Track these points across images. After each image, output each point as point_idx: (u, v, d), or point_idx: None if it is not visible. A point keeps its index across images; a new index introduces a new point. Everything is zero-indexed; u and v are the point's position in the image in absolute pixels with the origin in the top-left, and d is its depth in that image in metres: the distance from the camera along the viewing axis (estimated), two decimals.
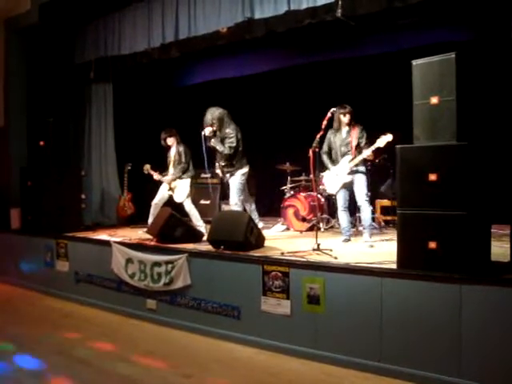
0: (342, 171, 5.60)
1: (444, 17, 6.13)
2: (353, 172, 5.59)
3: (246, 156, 6.33)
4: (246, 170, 6.26)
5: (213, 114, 6.20)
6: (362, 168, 5.63)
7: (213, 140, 6.14)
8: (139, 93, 8.88)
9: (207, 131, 6.10)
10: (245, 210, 6.36)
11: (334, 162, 5.71)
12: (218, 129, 6.19)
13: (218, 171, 6.46)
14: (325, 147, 5.79)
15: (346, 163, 5.59)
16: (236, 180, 6.22)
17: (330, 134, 5.76)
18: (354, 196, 5.70)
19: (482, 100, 5.59)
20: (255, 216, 6.57)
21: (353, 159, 5.54)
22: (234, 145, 6.13)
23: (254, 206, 6.59)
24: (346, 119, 5.61)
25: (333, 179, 5.73)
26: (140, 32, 6.78)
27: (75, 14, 7.41)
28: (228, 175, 6.30)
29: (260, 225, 6.65)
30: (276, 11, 5.44)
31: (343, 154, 5.61)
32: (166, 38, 6.47)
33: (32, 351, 4.49)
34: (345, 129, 5.65)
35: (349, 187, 5.69)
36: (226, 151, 6.14)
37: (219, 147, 6.17)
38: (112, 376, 3.96)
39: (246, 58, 8.27)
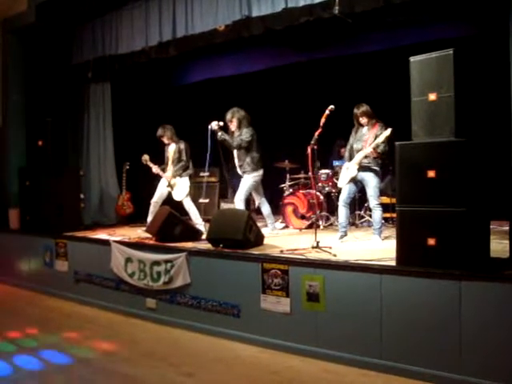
0: (352, 166, 5.61)
1: (442, 13, 6.12)
2: (364, 169, 5.56)
3: (262, 162, 6.39)
4: (259, 173, 6.34)
5: (234, 112, 6.34)
6: (374, 167, 5.54)
7: (220, 133, 6.18)
8: (137, 92, 8.86)
9: (214, 125, 6.14)
10: (249, 205, 6.39)
11: (351, 157, 5.70)
12: (237, 127, 6.30)
13: (239, 171, 6.52)
14: (348, 143, 5.82)
15: (356, 159, 5.58)
16: (248, 180, 6.30)
17: (353, 131, 5.79)
18: (361, 194, 5.64)
19: (481, 96, 5.59)
20: (272, 221, 6.66)
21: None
22: (248, 139, 6.21)
23: (269, 210, 6.62)
24: (361, 120, 5.64)
25: (343, 174, 5.74)
26: (137, 31, 6.78)
27: (72, 13, 7.40)
28: (243, 173, 6.38)
29: (276, 230, 6.75)
30: (273, 9, 5.44)
31: (357, 151, 5.60)
32: (163, 37, 6.47)
33: (32, 351, 4.49)
34: (366, 126, 5.65)
35: (356, 183, 5.69)
36: (235, 143, 6.23)
37: (227, 138, 6.25)
38: (113, 375, 3.96)
39: (243, 56, 8.26)
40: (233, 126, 6.34)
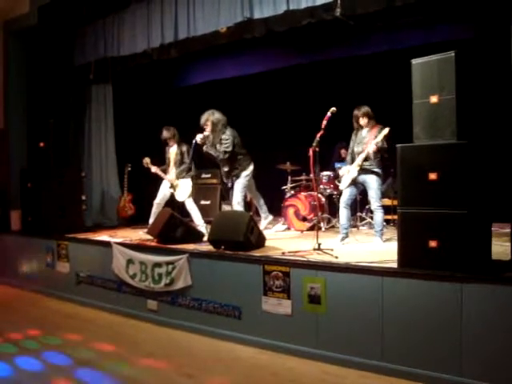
0: (353, 168, 5.62)
1: (443, 15, 6.13)
2: (365, 171, 5.57)
3: (250, 156, 6.40)
4: (249, 170, 6.36)
5: (209, 115, 6.31)
6: (376, 169, 5.56)
7: (205, 146, 6.22)
8: (139, 93, 8.88)
9: (198, 138, 6.17)
10: (249, 206, 6.42)
11: (353, 161, 5.70)
12: (211, 131, 6.26)
13: (225, 179, 6.56)
14: (349, 147, 5.83)
15: (357, 161, 5.59)
16: (240, 181, 6.32)
17: (353, 135, 5.80)
18: (362, 196, 5.64)
19: (482, 98, 5.59)
20: (265, 210, 6.75)
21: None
22: (229, 149, 6.21)
23: (262, 201, 6.74)
24: (362, 121, 5.64)
25: (345, 176, 5.75)
26: (139, 33, 6.79)
27: (74, 15, 7.41)
28: (234, 178, 6.39)
29: (270, 218, 6.85)
30: (275, 11, 5.44)
31: (358, 153, 5.61)
32: (165, 39, 6.48)
33: (33, 352, 4.49)
34: (365, 129, 5.66)
35: (357, 185, 5.69)
36: (221, 156, 6.27)
37: (213, 152, 6.28)
38: (113, 377, 3.95)
39: (245, 58, 8.27)
40: (207, 129, 6.29)
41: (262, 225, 6.66)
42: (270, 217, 6.87)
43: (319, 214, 6.61)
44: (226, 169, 6.41)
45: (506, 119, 4.08)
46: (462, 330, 3.53)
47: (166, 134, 6.93)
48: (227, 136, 6.23)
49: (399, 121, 5.01)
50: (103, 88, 8.16)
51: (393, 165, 5.43)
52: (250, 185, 6.53)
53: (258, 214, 6.91)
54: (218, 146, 6.27)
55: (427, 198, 3.79)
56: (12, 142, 7.94)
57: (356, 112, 5.66)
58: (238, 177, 6.33)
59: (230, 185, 6.51)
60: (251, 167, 6.37)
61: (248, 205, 7.25)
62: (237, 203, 6.25)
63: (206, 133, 6.22)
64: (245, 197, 6.58)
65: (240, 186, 6.30)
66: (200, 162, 6.45)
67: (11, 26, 7.94)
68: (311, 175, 5.70)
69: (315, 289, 4.20)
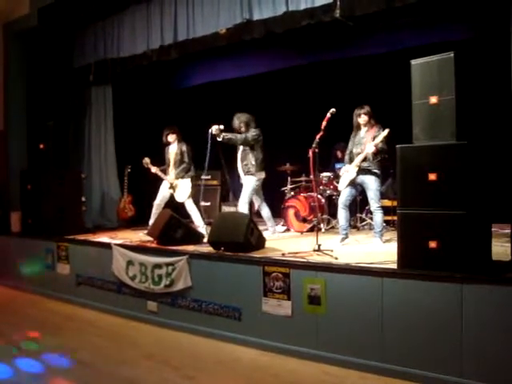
0: (351, 169, 5.61)
1: (443, 16, 6.13)
2: (363, 172, 5.56)
3: (264, 164, 6.41)
4: (261, 176, 6.37)
5: (239, 118, 6.39)
6: (374, 169, 5.55)
7: (223, 134, 6.15)
8: (139, 95, 8.88)
9: (214, 129, 6.12)
10: (250, 212, 6.42)
11: (351, 161, 5.69)
12: (246, 130, 6.33)
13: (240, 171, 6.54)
14: (348, 149, 5.82)
15: (356, 161, 5.59)
16: (251, 181, 6.30)
17: (351, 136, 5.79)
18: (362, 197, 5.64)
19: (482, 99, 5.59)
20: (272, 223, 6.62)
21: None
22: (253, 138, 6.24)
23: (269, 213, 6.60)
24: (361, 120, 5.63)
25: (343, 176, 5.74)
26: (139, 34, 6.80)
27: (74, 17, 7.42)
28: (244, 175, 6.36)
29: (276, 233, 6.69)
30: (274, 12, 5.45)
31: (357, 154, 5.60)
32: (164, 40, 6.50)
33: (33, 354, 4.48)
34: (364, 129, 5.66)
35: (356, 186, 5.69)
36: (240, 140, 6.24)
37: (231, 136, 6.23)
38: (113, 378, 3.95)
39: (245, 59, 8.26)
40: (243, 130, 6.35)
41: (267, 235, 6.58)
42: (277, 233, 6.74)
43: (319, 215, 6.61)
44: (241, 162, 6.40)
45: (506, 120, 4.08)
46: (463, 331, 3.53)
47: (170, 128, 6.96)
48: (256, 130, 6.32)
49: (399, 121, 5.01)
50: (103, 89, 8.17)
51: (392, 165, 5.44)
52: (258, 191, 6.48)
53: (258, 216, 6.88)
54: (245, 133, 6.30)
55: (427, 198, 3.79)
56: (12, 143, 7.95)
57: (357, 111, 5.64)
58: (250, 173, 6.29)
59: (241, 179, 6.46)
60: (264, 174, 6.37)
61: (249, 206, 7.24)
62: (244, 203, 6.22)
63: (221, 126, 6.19)
64: (250, 205, 6.54)
65: (250, 186, 6.27)
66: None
67: (11, 27, 7.95)
68: (311, 176, 5.69)
69: (315, 290, 4.20)
